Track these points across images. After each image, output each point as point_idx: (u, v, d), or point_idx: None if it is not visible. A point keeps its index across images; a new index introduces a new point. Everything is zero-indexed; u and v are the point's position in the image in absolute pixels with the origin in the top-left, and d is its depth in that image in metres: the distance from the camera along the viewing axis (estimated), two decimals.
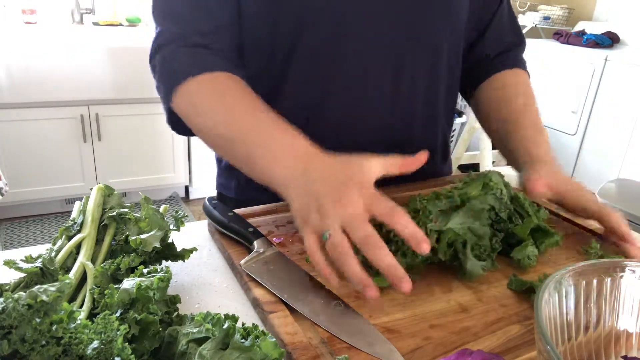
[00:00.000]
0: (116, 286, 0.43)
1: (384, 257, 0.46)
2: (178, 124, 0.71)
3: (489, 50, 0.87)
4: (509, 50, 0.88)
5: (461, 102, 3.04)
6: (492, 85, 0.85)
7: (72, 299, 0.46)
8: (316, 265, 0.48)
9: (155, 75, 0.70)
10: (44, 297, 0.36)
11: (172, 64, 0.67)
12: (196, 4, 0.68)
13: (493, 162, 2.93)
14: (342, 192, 0.49)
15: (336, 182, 0.51)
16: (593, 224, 0.71)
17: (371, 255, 0.46)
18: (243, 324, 0.39)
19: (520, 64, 0.87)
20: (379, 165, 0.53)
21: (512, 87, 0.83)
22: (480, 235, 0.56)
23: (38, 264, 0.47)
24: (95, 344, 0.36)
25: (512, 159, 0.77)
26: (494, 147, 2.93)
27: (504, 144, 0.79)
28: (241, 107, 0.63)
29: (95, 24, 2.80)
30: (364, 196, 0.49)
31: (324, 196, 0.50)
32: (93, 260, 0.50)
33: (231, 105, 0.63)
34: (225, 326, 0.37)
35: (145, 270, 0.45)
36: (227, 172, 0.86)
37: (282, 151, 0.57)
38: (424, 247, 0.46)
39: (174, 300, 0.45)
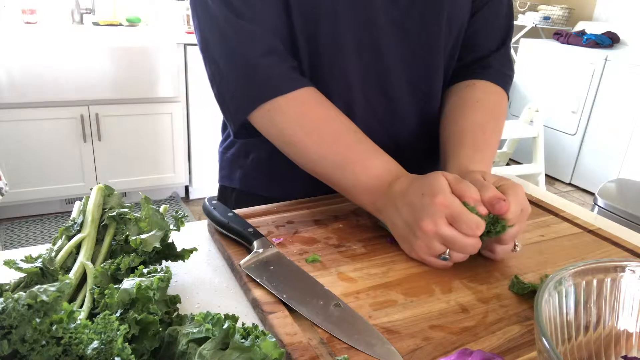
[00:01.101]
0: (116, 286, 0.43)
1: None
2: (243, 133, 0.72)
3: (462, 54, 0.81)
4: (488, 57, 0.81)
5: None
6: (462, 93, 0.79)
7: (72, 299, 0.46)
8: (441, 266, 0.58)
9: (225, 87, 0.68)
10: (44, 297, 0.36)
11: (253, 74, 0.65)
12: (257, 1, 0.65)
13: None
14: (424, 216, 0.56)
15: (420, 204, 0.56)
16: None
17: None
18: (243, 324, 0.39)
19: (501, 80, 0.80)
20: (442, 176, 0.58)
21: (475, 101, 0.77)
22: None
23: (38, 264, 0.46)
24: (95, 344, 0.36)
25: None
26: None
27: (446, 153, 0.74)
28: (331, 137, 0.66)
29: (95, 24, 2.81)
30: (441, 212, 0.55)
31: (415, 222, 0.57)
32: (93, 260, 0.50)
33: (321, 135, 0.66)
34: (225, 326, 0.37)
35: (145, 270, 0.45)
36: (233, 162, 0.86)
37: (371, 191, 0.63)
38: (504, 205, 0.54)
39: (174, 300, 0.45)
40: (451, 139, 0.73)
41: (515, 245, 0.60)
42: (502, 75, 0.81)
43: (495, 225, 0.56)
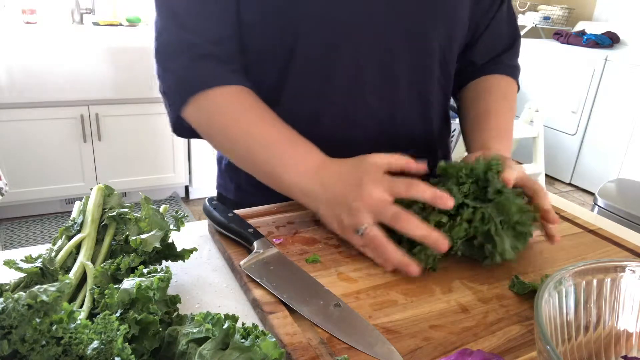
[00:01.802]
0: (116, 286, 0.43)
1: (418, 227, 0.53)
2: (183, 130, 0.73)
3: (479, 58, 0.85)
4: (500, 54, 0.86)
5: None
6: (475, 86, 0.84)
7: (72, 299, 0.46)
8: (377, 260, 0.56)
9: (163, 80, 0.70)
10: (44, 297, 0.36)
11: (186, 73, 0.67)
12: (201, 12, 0.67)
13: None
14: (360, 189, 0.56)
15: (352, 183, 0.57)
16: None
17: (406, 229, 0.53)
18: (243, 324, 0.39)
19: (510, 71, 0.85)
20: (383, 157, 0.59)
21: (486, 90, 0.82)
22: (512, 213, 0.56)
23: (38, 264, 0.46)
24: (95, 344, 0.36)
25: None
26: None
27: (466, 143, 0.80)
28: (258, 122, 0.66)
29: (95, 24, 2.81)
30: (380, 184, 0.56)
31: (346, 198, 0.57)
32: (93, 260, 0.50)
33: (250, 121, 0.66)
34: (225, 326, 0.37)
35: (145, 270, 0.45)
36: (228, 174, 0.86)
37: (299, 170, 0.62)
38: (449, 203, 0.54)
39: (174, 300, 0.45)
40: (468, 127, 0.79)
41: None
42: (510, 68, 0.85)
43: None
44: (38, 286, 0.38)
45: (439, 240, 0.53)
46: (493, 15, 0.83)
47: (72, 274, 0.47)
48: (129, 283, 0.43)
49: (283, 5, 0.67)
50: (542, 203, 0.60)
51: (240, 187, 0.84)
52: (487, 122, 0.76)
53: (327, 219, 0.60)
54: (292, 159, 0.63)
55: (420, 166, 0.60)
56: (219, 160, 0.89)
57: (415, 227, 0.53)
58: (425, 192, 0.55)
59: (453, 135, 3.27)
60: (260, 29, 0.70)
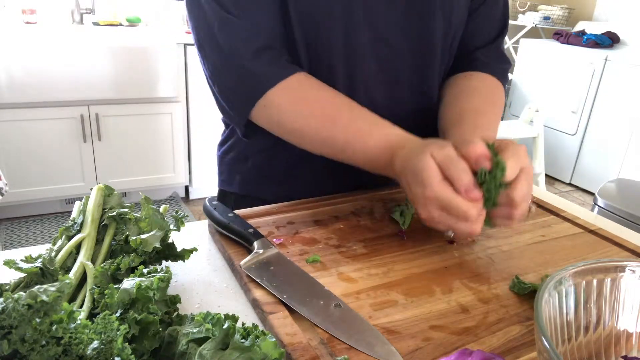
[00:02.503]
0: (116, 286, 0.43)
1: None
2: (252, 133, 0.72)
3: (460, 48, 0.82)
4: (486, 50, 0.83)
5: None
6: (462, 81, 0.80)
7: (72, 299, 0.46)
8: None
9: (223, 93, 0.69)
10: (44, 297, 0.36)
11: (245, 78, 0.66)
12: (250, 6, 0.66)
13: None
14: (419, 199, 0.56)
15: (413, 191, 0.57)
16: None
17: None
18: (243, 324, 0.39)
19: (497, 71, 0.82)
20: (431, 160, 0.57)
21: (471, 89, 0.79)
22: None
23: (38, 264, 0.46)
24: (95, 344, 0.36)
25: None
26: None
27: (446, 134, 0.75)
28: (335, 108, 0.67)
29: (95, 24, 2.81)
30: (438, 178, 0.55)
31: (414, 203, 0.58)
32: (93, 260, 0.50)
33: (326, 108, 0.67)
34: (225, 326, 0.37)
35: (145, 270, 0.45)
36: (231, 167, 0.86)
37: (373, 157, 0.64)
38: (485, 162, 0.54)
39: (174, 300, 0.45)
40: (450, 122, 0.74)
41: (530, 208, 0.58)
42: (498, 68, 0.82)
43: (494, 180, 0.55)
44: (38, 286, 0.38)
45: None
46: (477, 8, 0.80)
47: (72, 274, 0.47)
48: (129, 283, 0.43)
49: (287, 1, 0.67)
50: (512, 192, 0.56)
51: (245, 179, 0.84)
52: (474, 120, 0.72)
53: (407, 185, 0.60)
54: (366, 158, 0.65)
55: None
56: (223, 155, 0.88)
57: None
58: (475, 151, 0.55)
59: None
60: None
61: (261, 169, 0.82)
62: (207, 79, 0.72)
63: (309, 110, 0.67)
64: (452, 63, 0.83)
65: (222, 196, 0.89)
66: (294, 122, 0.67)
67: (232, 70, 0.67)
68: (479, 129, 0.69)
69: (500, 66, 0.83)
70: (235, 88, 0.68)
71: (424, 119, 0.80)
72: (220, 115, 0.81)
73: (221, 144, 0.88)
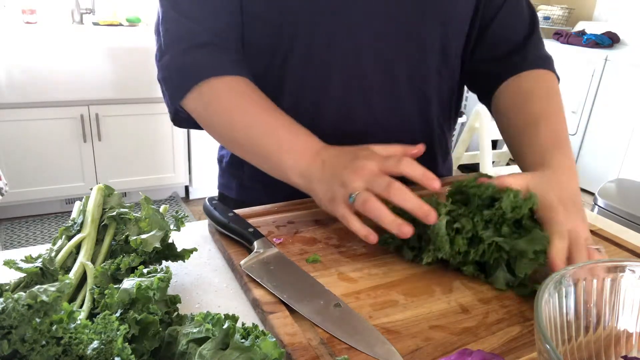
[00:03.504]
0: (116, 286, 0.43)
1: (411, 198, 0.53)
2: (182, 120, 0.73)
3: (497, 51, 0.79)
4: (523, 47, 0.79)
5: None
6: (511, 89, 0.77)
7: (72, 299, 0.46)
8: (354, 228, 0.56)
9: (162, 72, 0.71)
10: (44, 297, 0.36)
11: (184, 63, 0.68)
12: (204, 3, 0.68)
13: (493, 162, 2.93)
14: (356, 164, 0.57)
15: (349, 160, 0.58)
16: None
17: (399, 199, 0.53)
18: (243, 324, 0.39)
19: (541, 62, 0.78)
20: (380, 147, 0.61)
21: (527, 93, 0.74)
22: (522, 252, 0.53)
23: (38, 264, 0.46)
24: (95, 344, 0.36)
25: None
26: (494, 147, 2.93)
27: (517, 157, 0.71)
28: (258, 110, 0.66)
29: (95, 24, 2.80)
30: (375, 160, 0.57)
31: (341, 172, 0.57)
32: (93, 260, 0.50)
33: (250, 109, 0.67)
34: (225, 326, 0.37)
35: (145, 270, 0.45)
36: (229, 172, 0.86)
37: (299, 152, 0.63)
38: (435, 184, 0.55)
39: (174, 300, 0.45)
40: (516, 137, 0.71)
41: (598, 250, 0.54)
42: (543, 59, 0.79)
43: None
44: (38, 286, 0.38)
45: (430, 214, 0.52)
46: (501, 5, 0.78)
47: (72, 274, 0.47)
48: (129, 283, 0.43)
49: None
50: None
51: (243, 184, 0.84)
52: (538, 130, 0.67)
53: (319, 196, 0.60)
54: (291, 143, 0.63)
55: (419, 148, 0.63)
56: (220, 159, 0.89)
57: (408, 197, 0.53)
58: (415, 169, 0.56)
59: (453, 135, 3.27)
60: (261, 21, 0.70)
61: (258, 174, 0.81)
62: (156, 54, 0.73)
63: (241, 98, 0.67)
64: (493, 67, 0.80)
65: (222, 200, 0.89)
66: (221, 104, 0.67)
67: (179, 54, 0.68)
68: (549, 138, 0.66)
69: (545, 55, 0.79)
70: (185, 63, 0.68)
71: (422, 121, 0.80)
72: None
73: (220, 147, 0.88)
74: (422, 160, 0.82)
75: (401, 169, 0.56)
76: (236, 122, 0.67)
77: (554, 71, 0.79)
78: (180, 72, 0.68)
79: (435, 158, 0.86)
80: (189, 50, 0.68)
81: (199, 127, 0.73)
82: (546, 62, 0.78)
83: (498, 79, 0.79)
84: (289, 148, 0.63)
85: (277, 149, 0.63)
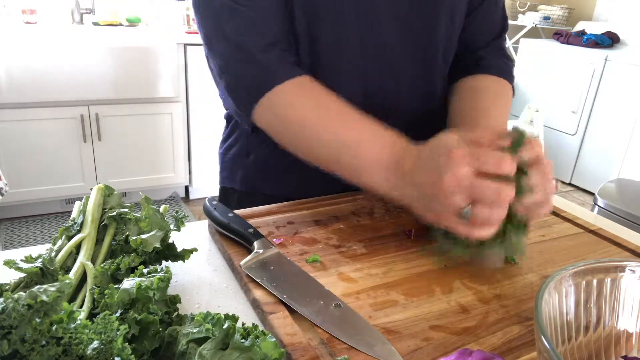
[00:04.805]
0: (116, 286, 0.43)
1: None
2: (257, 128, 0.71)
3: (472, 43, 0.83)
4: (491, 41, 0.84)
5: None
6: (470, 83, 0.81)
7: (72, 299, 0.46)
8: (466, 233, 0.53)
9: (230, 86, 0.69)
10: (44, 297, 0.36)
11: (245, 78, 0.66)
12: (253, 19, 0.66)
13: None
14: (441, 173, 0.52)
15: (431, 167, 0.54)
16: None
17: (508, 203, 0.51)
18: (243, 324, 0.39)
19: (505, 74, 0.82)
20: (454, 135, 0.55)
21: (485, 89, 0.79)
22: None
23: (38, 264, 0.46)
24: (95, 344, 0.36)
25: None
26: None
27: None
28: (337, 113, 0.64)
29: (95, 24, 2.80)
30: (462, 162, 0.51)
31: (431, 187, 0.53)
32: (93, 260, 0.50)
33: (329, 113, 0.65)
34: (225, 326, 0.37)
35: (145, 270, 0.45)
36: (233, 163, 0.86)
37: (380, 166, 0.60)
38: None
39: (174, 300, 0.45)
40: (462, 120, 0.74)
41: (556, 183, 0.55)
42: (503, 68, 0.82)
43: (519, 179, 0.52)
44: (38, 286, 0.38)
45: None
46: (477, 6, 0.81)
47: (72, 274, 0.47)
48: (129, 283, 0.43)
49: None
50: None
51: (247, 174, 0.84)
52: (487, 119, 0.73)
53: (420, 212, 0.57)
54: (371, 160, 0.61)
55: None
56: (224, 152, 0.88)
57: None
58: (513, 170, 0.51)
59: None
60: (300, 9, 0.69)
61: (263, 162, 0.82)
62: (213, 75, 0.71)
63: (312, 104, 0.65)
64: (456, 64, 0.83)
65: (224, 194, 0.89)
66: (294, 114, 0.65)
67: (242, 61, 0.66)
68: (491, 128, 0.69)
69: (506, 64, 0.84)
70: (244, 79, 0.67)
71: (429, 120, 0.81)
72: (220, 115, 0.81)
73: (223, 142, 0.88)
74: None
75: (505, 170, 0.50)
76: (310, 134, 0.64)
77: (511, 82, 0.83)
78: (247, 87, 0.67)
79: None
80: (251, 56, 0.65)
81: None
82: (505, 72, 0.82)
83: (457, 73, 0.82)
84: (371, 163, 0.60)
85: (360, 165, 0.61)
